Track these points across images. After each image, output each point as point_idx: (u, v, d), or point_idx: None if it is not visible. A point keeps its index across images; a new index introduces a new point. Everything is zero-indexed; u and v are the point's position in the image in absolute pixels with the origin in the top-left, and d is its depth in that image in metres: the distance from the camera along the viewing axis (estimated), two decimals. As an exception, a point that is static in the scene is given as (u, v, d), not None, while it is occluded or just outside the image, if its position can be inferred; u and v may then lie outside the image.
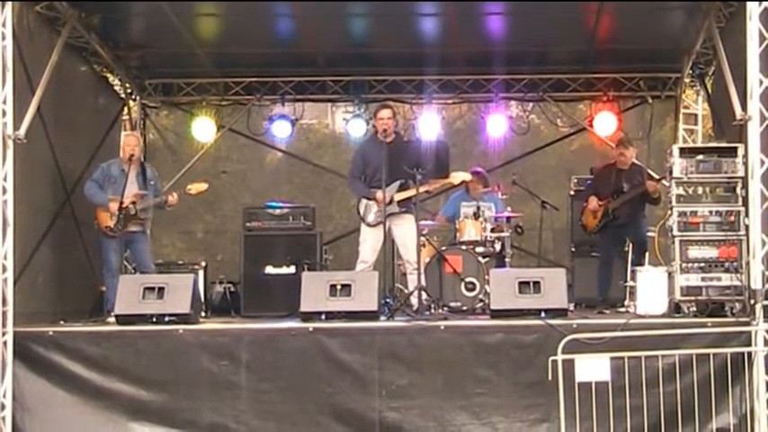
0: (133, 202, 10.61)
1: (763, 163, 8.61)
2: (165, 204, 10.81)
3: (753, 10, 8.63)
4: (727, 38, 10.22)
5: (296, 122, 14.48)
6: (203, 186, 11.01)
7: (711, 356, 8.27)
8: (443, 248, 11.09)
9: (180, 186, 11.31)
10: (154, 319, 9.15)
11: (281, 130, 14.37)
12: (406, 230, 10.35)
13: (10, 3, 8.93)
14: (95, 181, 10.77)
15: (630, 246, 11.66)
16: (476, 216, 11.33)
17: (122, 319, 9.25)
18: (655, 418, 8.28)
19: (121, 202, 10.49)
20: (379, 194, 10.16)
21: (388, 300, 10.19)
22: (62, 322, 9.87)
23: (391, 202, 10.22)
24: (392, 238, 10.53)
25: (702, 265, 9.24)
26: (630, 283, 10.47)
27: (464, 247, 11.05)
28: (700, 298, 9.22)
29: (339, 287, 9.27)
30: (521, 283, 9.25)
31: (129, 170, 10.68)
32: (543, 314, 8.96)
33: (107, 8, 11.12)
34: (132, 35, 12.46)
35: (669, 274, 9.51)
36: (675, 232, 9.36)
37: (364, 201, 10.51)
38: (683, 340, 8.43)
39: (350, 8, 11.43)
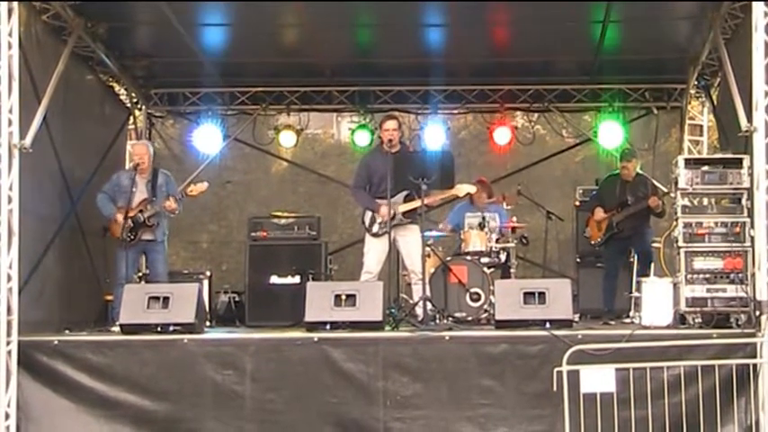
0: (140, 210, 10.64)
1: (768, 174, 8.61)
2: (164, 210, 10.79)
3: (758, 21, 8.63)
4: (733, 49, 10.23)
5: (301, 132, 14.52)
6: (204, 186, 10.97)
7: (717, 368, 8.25)
8: (448, 259, 11.08)
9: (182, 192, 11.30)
10: (158, 329, 9.15)
11: (286, 140, 14.42)
12: (410, 241, 10.35)
13: (16, 14, 8.94)
14: (106, 193, 10.82)
15: (636, 257, 11.69)
16: (481, 227, 11.32)
17: (127, 329, 9.25)
18: (660, 429, 8.27)
19: (128, 211, 10.52)
20: (383, 209, 10.14)
21: (392, 309, 10.18)
22: (67, 331, 9.85)
23: (395, 216, 10.21)
24: (397, 249, 10.55)
25: (708, 276, 9.21)
26: (635, 294, 10.45)
27: (469, 258, 11.04)
28: (705, 309, 9.18)
29: (344, 297, 9.28)
30: (526, 293, 9.24)
31: (137, 179, 10.69)
32: (548, 325, 8.94)
33: (113, 16, 11.15)
34: (138, 45, 12.50)
35: (674, 285, 9.49)
36: (681, 243, 9.34)
37: (369, 211, 10.53)
38: (688, 351, 8.40)
39: (356, 18, 11.46)
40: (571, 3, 10.58)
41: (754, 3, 8.70)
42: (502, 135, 14.09)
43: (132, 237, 10.59)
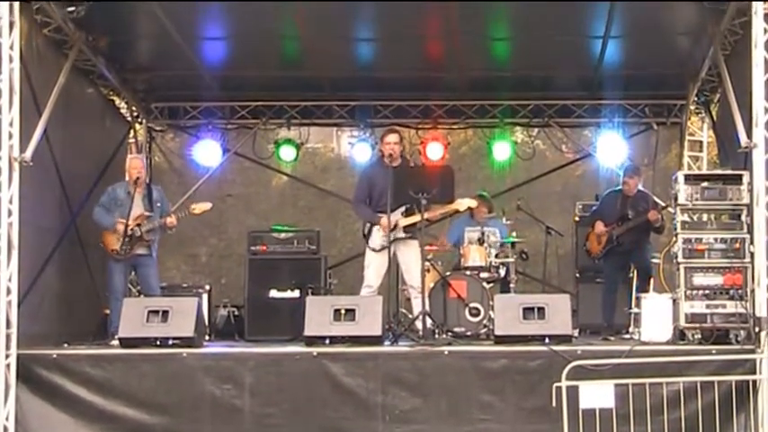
0: (138, 224, 10.63)
1: (768, 190, 8.62)
2: (164, 226, 10.81)
3: (758, 37, 8.66)
4: (733, 65, 10.25)
5: (301, 146, 14.53)
6: (207, 206, 11.04)
7: (716, 384, 8.26)
8: (448, 274, 11.07)
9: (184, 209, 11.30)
10: (157, 343, 9.16)
11: (286, 154, 14.44)
12: (410, 255, 10.35)
13: (17, 28, 8.96)
14: (102, 206, 10.79)
15: (635, 272, 11.68)
16: (480, 241, 11.33)
17: (126, 342, 9.25)
18: (659, 445, 8.27)
19: (126, 225, 10.51)
20: (384, 220, 10.15)
21: (392, 324, 10.17)
22: (66, 345, 9.84)
23: (395, 227, 10.22)
24: (397, 263, 10.54)
25: (707, 292, 9.20)
26: (635, 309, 10.46)
27: (468, 273, 11.04)
28: (704, 325, 9.18)
29: (343, 311, 9.29)
30: (525, 308, 9.26)
31: (134, 192, 10.68)
32: (547, 340, 8.95)
33: (114, 30, 11.17)
34: (139, 58, 12.51)
35: (674, 300, 9.49)
36: (680, 259, 9.34)
37: (369, 225, 10.52)
38: (687, 367, 8.43)
39: (356, 33, 11.48)
40: (572, 18, 10.61)
41: (754, 20, 8.73)
42: (501, 150, 14.10)
43: (128, 250, 10.58)
